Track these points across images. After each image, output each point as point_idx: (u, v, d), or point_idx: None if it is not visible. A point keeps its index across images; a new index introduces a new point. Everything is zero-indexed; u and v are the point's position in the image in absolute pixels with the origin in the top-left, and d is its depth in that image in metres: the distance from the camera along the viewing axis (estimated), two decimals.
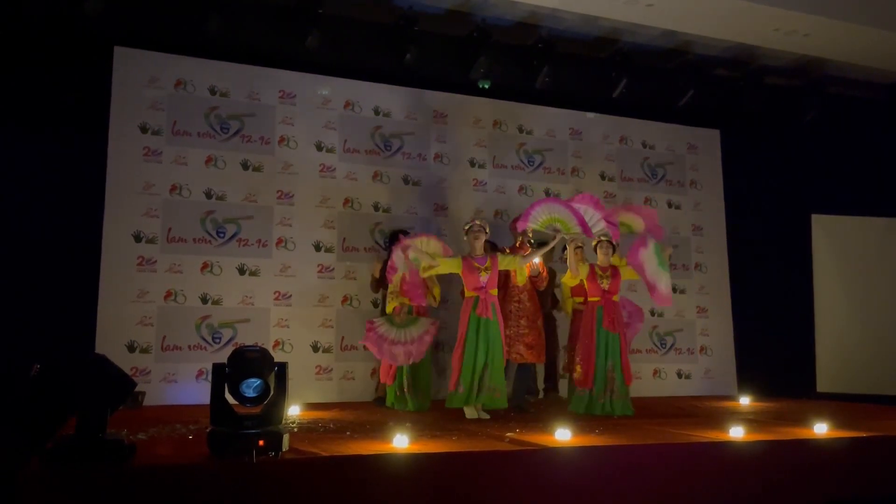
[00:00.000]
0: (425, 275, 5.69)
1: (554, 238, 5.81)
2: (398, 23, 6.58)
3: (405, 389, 5.94)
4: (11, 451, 3.85)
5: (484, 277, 5.60)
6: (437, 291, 6.23)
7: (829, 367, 8.01)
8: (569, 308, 6.52)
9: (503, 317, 5.80)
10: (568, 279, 6.16)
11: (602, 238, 5.94)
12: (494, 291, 5.66)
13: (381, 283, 6.47)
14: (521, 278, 5.99)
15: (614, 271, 5.97)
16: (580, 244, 6.20)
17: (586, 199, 5.86)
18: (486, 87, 7.21)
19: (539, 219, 5.72)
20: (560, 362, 6.96)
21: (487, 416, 5.47)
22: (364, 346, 6.10)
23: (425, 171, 7.47)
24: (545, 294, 6.47)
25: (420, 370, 6.02)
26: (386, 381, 6.07)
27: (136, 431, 4.11)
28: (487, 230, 5.87)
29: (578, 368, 5.88)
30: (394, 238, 6.37)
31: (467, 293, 5.70)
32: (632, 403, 5.80)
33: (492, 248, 6.13)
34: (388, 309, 6.13)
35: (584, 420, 5.27)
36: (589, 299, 5.98)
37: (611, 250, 6.01)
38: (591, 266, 5.98)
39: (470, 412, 5.47)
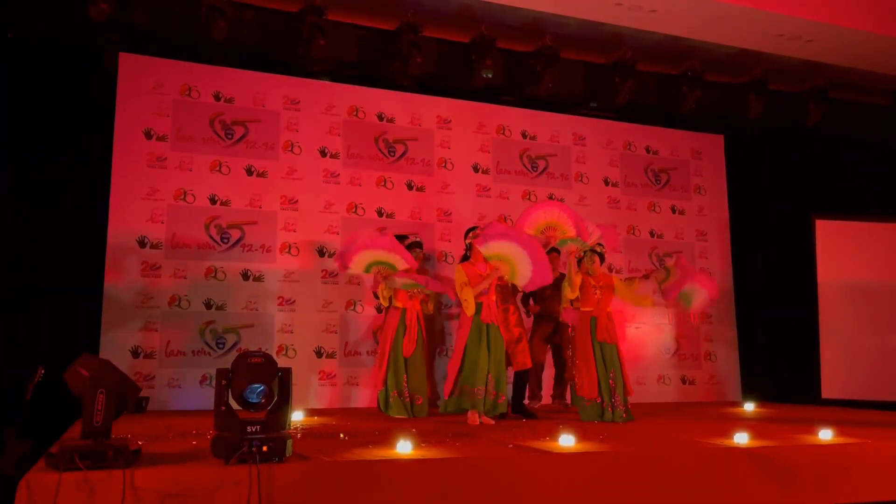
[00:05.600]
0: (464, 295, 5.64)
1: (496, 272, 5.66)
2: (402, 29, 6.60)
3: (398, 395, 5.93)
4: (16, 455, 3.85)
5: (486, 284, 5.61)
6: (430, 306, 6.27)
7: (834, 373, 7.99)
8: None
9: None
10: (567, 292, 6.07)
11: (597, 248, 5.95)
12: (494, 298, 5.68)
13: None
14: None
15: (608, 282, 5.96)
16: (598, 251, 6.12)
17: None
18: (489, 75, 7.13)
19: (534, 224, 5.72)
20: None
21: (492, 422, 5.47)
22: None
23: (429, 177, 7.48)
24: (554, 300, 6.47)
25: (413, 375, 6.00)
26: (378, 387, 6.05)
27: (140, 436, 4.11)
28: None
29: (583, 379, 5.87)
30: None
31: None
32: (631, 411, 5.79)
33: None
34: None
35: (588, 426, 5.26)
36: (582, 309, 5.97)
37: (598, 261, 5.98)
38: (585, 277, 5.96)
39: (472, 418, 5.46)
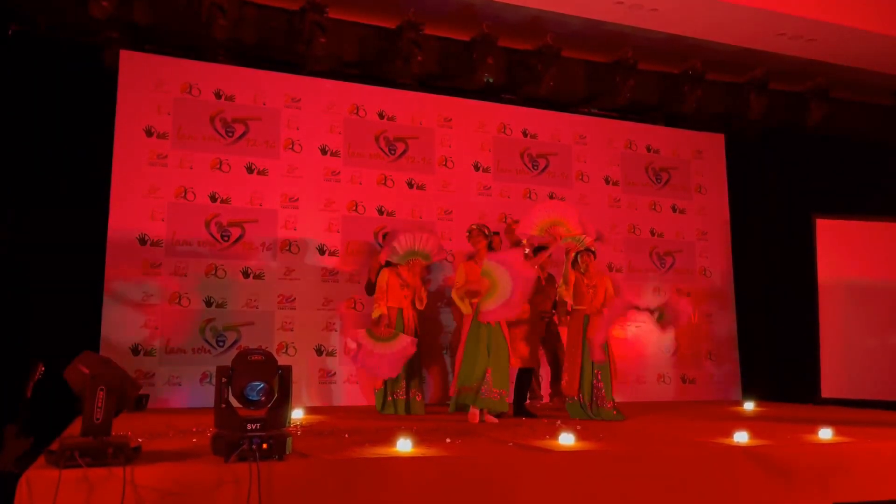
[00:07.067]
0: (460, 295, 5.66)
1: (552, 243, 5.78)
2: (403, 27, 6.60)
3: (396, 394, 5.94)
4: (17, 452, 3.86)
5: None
6: (423, 294, 6.27)
7: (834, 373, 7.99)
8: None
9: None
10: (562, 289, 6.06)
11: (589, 247, 5.95)
12: None
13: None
14: None
15: (601, 282, 5.95)
16: (592, 249, 6.12)
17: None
18: (490, 80, 7.15)
19: (538, 222, 5.71)
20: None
21: (496, 421, 5.46)
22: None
23: (430, 175, 7.48)
24: (547, 298, 6.47)
25: (412, 373, 6.01)
26: (376, 386, 6.09)
27: (140, 434, 4.11)
28: (487, 232, 5.89)
29: (566, 376, 5.90)
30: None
31: None
32: (621, 411, 5.79)
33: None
34: (374, 314, 6.07)
35: (589, 426, 5.26)
36: (576, 307, 5.97)
37: (591, 259, 5.97)
38: (578, 276, 5.94)
39: (473, 416, 5.46)
